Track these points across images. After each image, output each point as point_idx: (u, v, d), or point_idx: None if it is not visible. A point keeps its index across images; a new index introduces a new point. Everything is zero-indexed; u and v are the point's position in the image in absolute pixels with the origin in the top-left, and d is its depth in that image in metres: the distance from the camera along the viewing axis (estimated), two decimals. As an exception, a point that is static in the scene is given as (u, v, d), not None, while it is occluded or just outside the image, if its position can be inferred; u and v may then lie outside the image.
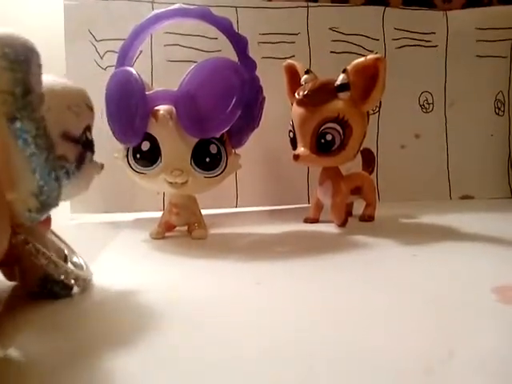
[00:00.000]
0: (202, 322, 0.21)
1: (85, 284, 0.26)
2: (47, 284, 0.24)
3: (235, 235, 0.44)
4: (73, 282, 0.25)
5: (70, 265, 0.26)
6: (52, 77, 0.24)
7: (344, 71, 0.40)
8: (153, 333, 0.20)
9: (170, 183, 0.38)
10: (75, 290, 0.25)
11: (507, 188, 0.70)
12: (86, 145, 0.26)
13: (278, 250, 0.37)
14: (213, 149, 0.38)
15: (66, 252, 0.27)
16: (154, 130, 0.37)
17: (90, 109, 0.27)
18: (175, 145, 0.37)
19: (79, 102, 0.25)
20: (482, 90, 0.69)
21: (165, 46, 0.58)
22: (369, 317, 0.22)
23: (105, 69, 0.56)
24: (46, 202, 0.20)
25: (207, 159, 0.38)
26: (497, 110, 0.70)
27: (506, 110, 0.70)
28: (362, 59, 0.40)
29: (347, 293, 0.25)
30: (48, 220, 0.26)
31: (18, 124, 0.19)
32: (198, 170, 0.38)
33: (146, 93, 0.37)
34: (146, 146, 0.37)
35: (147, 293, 0.26)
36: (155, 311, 0.23)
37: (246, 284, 0.27)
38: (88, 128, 0.26)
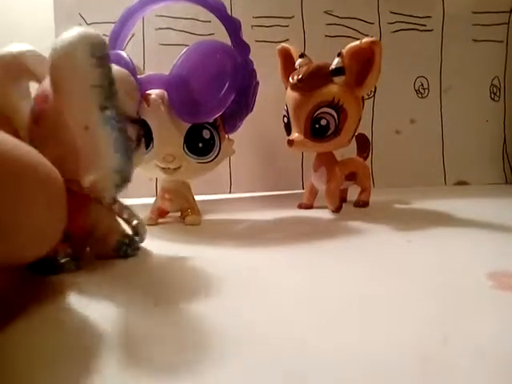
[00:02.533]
0: (197, 310, 0.21)
1: (145, 234, 0.30)
2: (122, 247, 0.29)
3: (229, 221, 0.44)
4: (143, 232, 0.30)
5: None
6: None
7: (339, 55, 0.40)
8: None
9: (163, 169, 0.38)
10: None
11: (502, 174, 0.70)
12: (138, 124, 0.29)
13: (273, 236, 0.37)
14: (206, 134, 0.38)
15: None
16: (145, 114, 0.36)
17: (137, 90, 0.30)
18: (167, 130, 0.37)
19: (132, 86, 0.28)
20: (477, 75, 0.69)
21: (157, 29, 0.57)
22: (363, 303, 0.21)
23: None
24: (125, 178, 0.24)
25: (200, 144, 0.37)
26: (492, 95, 0.70)
27: (501, 96, 0.70)
28: (358, 43, 0.39)
29: (341, 279, 0.25)
30: None
31: (108, 112, 0.22)
32: (191, 155, 0.37)
33: (138, 77, 0.36)
34: (137, 131, 0.37)
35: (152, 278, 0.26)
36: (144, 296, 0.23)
37: (241, 270, 0.27)
38: (138, 109, 0.29)
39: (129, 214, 0.29)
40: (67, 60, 0.22)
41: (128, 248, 0.29)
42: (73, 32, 0.23)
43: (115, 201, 0.28)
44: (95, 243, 0.29)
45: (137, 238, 0.30)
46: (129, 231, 0.30)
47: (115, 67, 0.27)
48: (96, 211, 0.28)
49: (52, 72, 0.23)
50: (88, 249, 0.29)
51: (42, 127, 0.26)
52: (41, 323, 0.19)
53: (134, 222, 0.29)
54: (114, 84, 0.23)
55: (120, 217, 0.29)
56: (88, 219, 0.28)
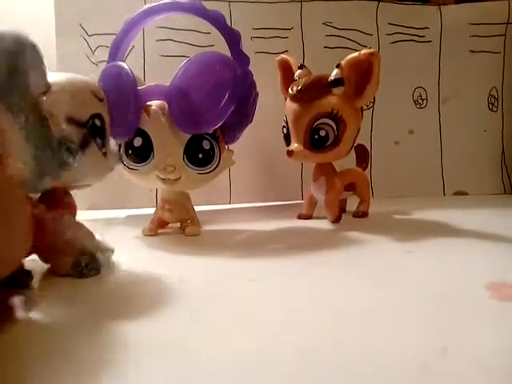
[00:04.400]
0: (194, 319, 0.21)
1: (109, 256, 0.29)
2: (78, 267, 0.27)
3: (229, 232, 0.44)
4: (103, 254, 0.29)
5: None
6: (69, 74, 0.28)
7: (338, 66, 0.40)
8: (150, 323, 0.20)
9: (163, 179, 0.38)
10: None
11: (500, 184, 0.70)
12: (93, 130, 0.28)
13: (272, 246, 0.37)
14: (206, 145, 0.38)
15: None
16: (146, 125, 0.36)
17: (99, 99, 0.29)
18: (168, 141, 0.37)
19: (85, 92, 0.28)
20: (475, 86, 0.69)
21: (157, 40, 0.58)
22: (363, 313, 0.21)
23: (97, 64, 0.55)
24: (42, 171, 0.23)
25: (200, 155, 0.38)
26: (490, 106, 0.70)
27: (499, 106, 0.70)
28: (356, 54, 0.39)
29: (341, 289, 0.25)
30: (74, 207, 0.30)
31: (7, 99, 0.22)
32: (191, 166, 0.37)
33: (138, 88, 0.36)
34: (138, 141, 0.37)
35: (141, 287, 0.26)
36: (150, 306, 0.23)
37: (240, 281, 0.27)
38: (97, 116, 0.29)
39: (84, 243, 0.28)
40: None
41: (84, 268, 0.27)
42: None
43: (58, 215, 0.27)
44: (53, 260, 0.28)
45: (102, 257, 0.29)
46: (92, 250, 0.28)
47: (70, 75, 0.28)
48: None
49: None
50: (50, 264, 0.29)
51: None
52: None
53: (88, 247, 0.28)
54: (20, 76, 0.23)
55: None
56: (44, 236, 0.26)
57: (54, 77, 0.27)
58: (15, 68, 0.23)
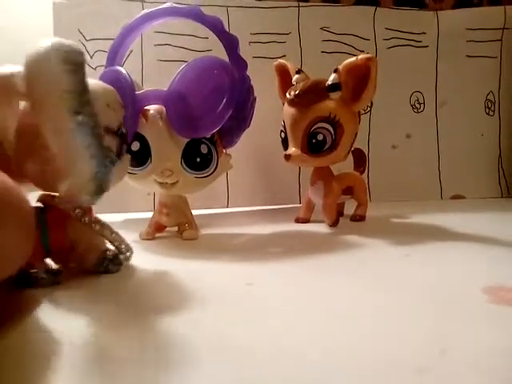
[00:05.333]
0: (191, 322, 0.21)
1: (131, 254, 0.30)
2: (103, 263, 0.29)
3: (226, 236, 0.44)
4: (127, 251, 0.30)
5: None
6: (96, 80, 0.28)
7: (335, 71, 0.40)
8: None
9: (161, 183, 0.38)
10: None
11: (497, 188, 0.70)
12: (122, 137, 0.29)
13: (270, 250, 0.37)
14: (203, 149, 0.38)
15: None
16: (143, 129, 0.37)
17: (121, 106, 0.30)
18: (165, 145, 0.37)
19: (115, 100, 0.29)
20: (472, 90, 0.70)
21: (155, 45, 0.58)
22: (360, 316, 0.22)
23: (95, 68, 0.55)
24: (101, 186, 0.24)
25: (198, 159, 0.38)
26: (487, 110, 0.70)
27: (496, 110, 0.71)
28: (354, 59, 0.40)
29: (339, 292, 0.25)
30: (90, 209, 0.30)
31: (79, 117, 0.22)
32: (189, 170, 0.38)
33: (136, 92, 0.36)
34: (135, 146, 0.37)
35: (137, 291, 0.26)
36: (147, 310, 0.23)
37: (238, 285, 0.27)
38: (121, 123, 0.29)
39: (111, 236, 0.29)
40: (41, 66, 0.22)
41: (109, 263, 0.29)
42: (47, 41, 0.23)
43: (86, 212, 0.28)
44: (77, 258, 0.29)
45: (121, 256, 0.30)
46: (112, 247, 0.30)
47: (99, 82, 0.28)
48: (75, 228, 0.28)
49: (26, 79, 0.23)
50: (72, 263, 0.29)
51: (24, 142, 0.26)
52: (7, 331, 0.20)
53: (117, 244, 0.29)
54: (88, 92, 0.23)
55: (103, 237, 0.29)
56: (67, 235, 0.28)
57: None
58: (84, 81, 0.23)
